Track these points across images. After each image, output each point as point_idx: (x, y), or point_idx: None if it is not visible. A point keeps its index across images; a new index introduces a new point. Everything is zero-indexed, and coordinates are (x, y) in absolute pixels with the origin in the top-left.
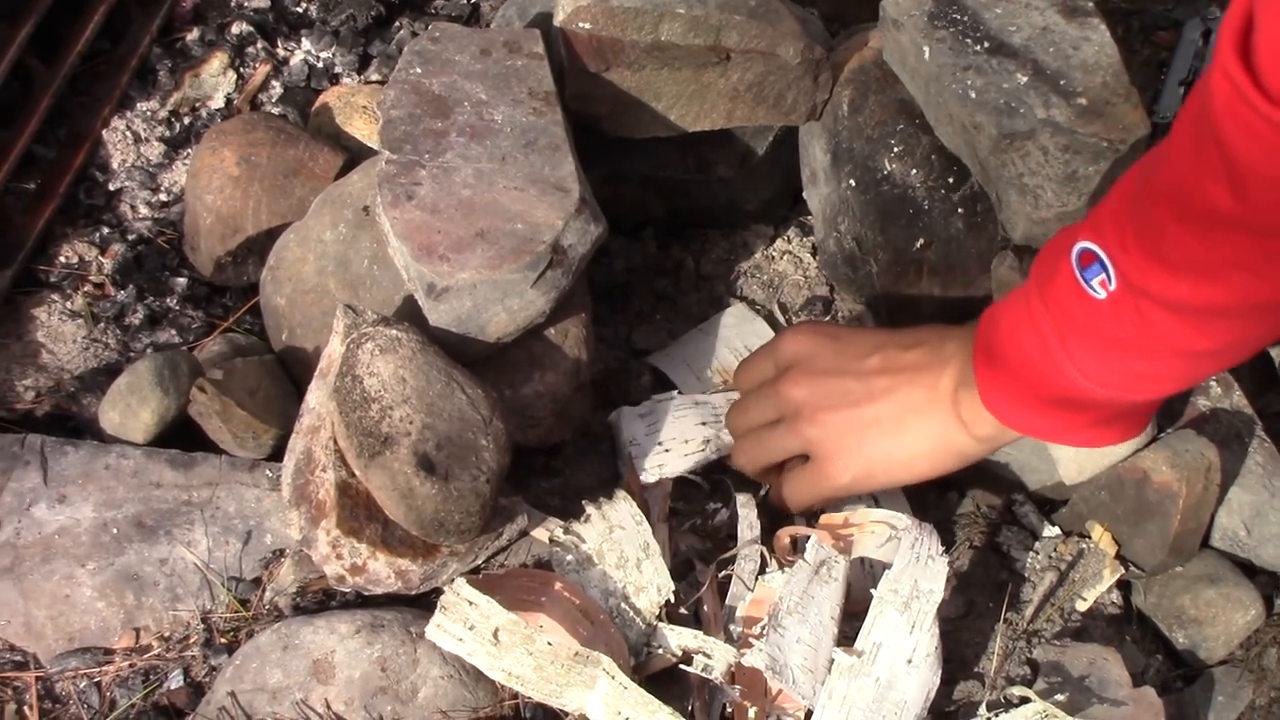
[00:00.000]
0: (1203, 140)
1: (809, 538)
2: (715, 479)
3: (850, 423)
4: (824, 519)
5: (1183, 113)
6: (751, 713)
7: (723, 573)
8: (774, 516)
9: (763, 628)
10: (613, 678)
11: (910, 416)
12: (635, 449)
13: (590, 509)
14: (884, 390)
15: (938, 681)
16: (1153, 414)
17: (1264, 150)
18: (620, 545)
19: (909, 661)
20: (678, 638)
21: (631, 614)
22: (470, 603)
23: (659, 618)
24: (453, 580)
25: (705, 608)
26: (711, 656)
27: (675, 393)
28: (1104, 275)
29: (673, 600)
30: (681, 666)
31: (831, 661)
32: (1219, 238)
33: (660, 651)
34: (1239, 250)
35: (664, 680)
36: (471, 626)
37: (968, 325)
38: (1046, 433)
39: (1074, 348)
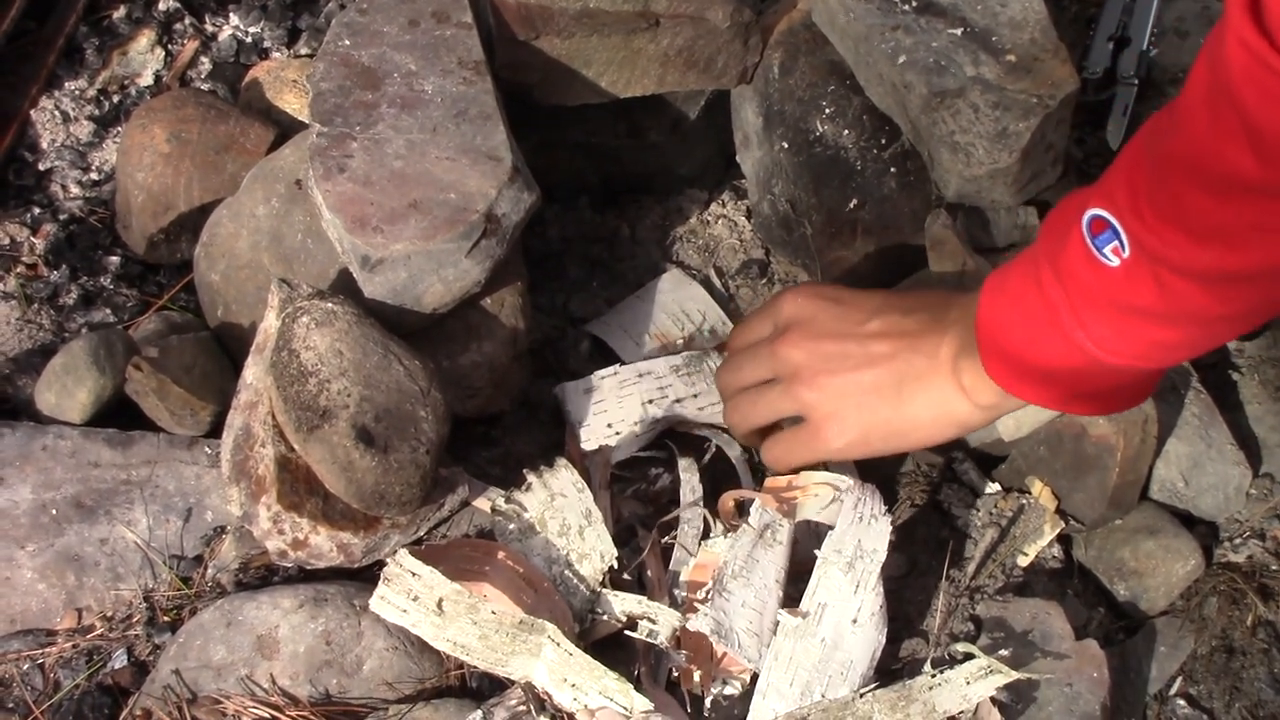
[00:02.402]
0: (1219, 106)
1: (754, 501)
2: (659, 441)
3: (848, 388)
4: (768, 482)
5: (1192, 78)
6: (697, 676)
7: (665, 538)
8: (717, 481)
9: (707, 592)
10: (558, 645)
11: (910, 384)
12: (583, 427)
13: (531, 478)
14: (884, 356)
15: (883, 640)
16: (1158, 381)
17: None
18: (562, 513)
19: (854, 621)
20: (622, 603)
21: (575, 581)
22: (413, 574)
23: (603, 584)
24: (395, 552)
25: (649, 573)
26: (656, 621)
27: (618, 365)
28: (1117, 242)
29: (616, 566)
30: (627, 632)
31: (777, 624)
32: (1243, 203)
33: (605, 617)
34: (1264, 214)
35: (609, 646)
36: (415, 598)
37: (970, 291)
38: (1051, 401)
39: (1086, 317)
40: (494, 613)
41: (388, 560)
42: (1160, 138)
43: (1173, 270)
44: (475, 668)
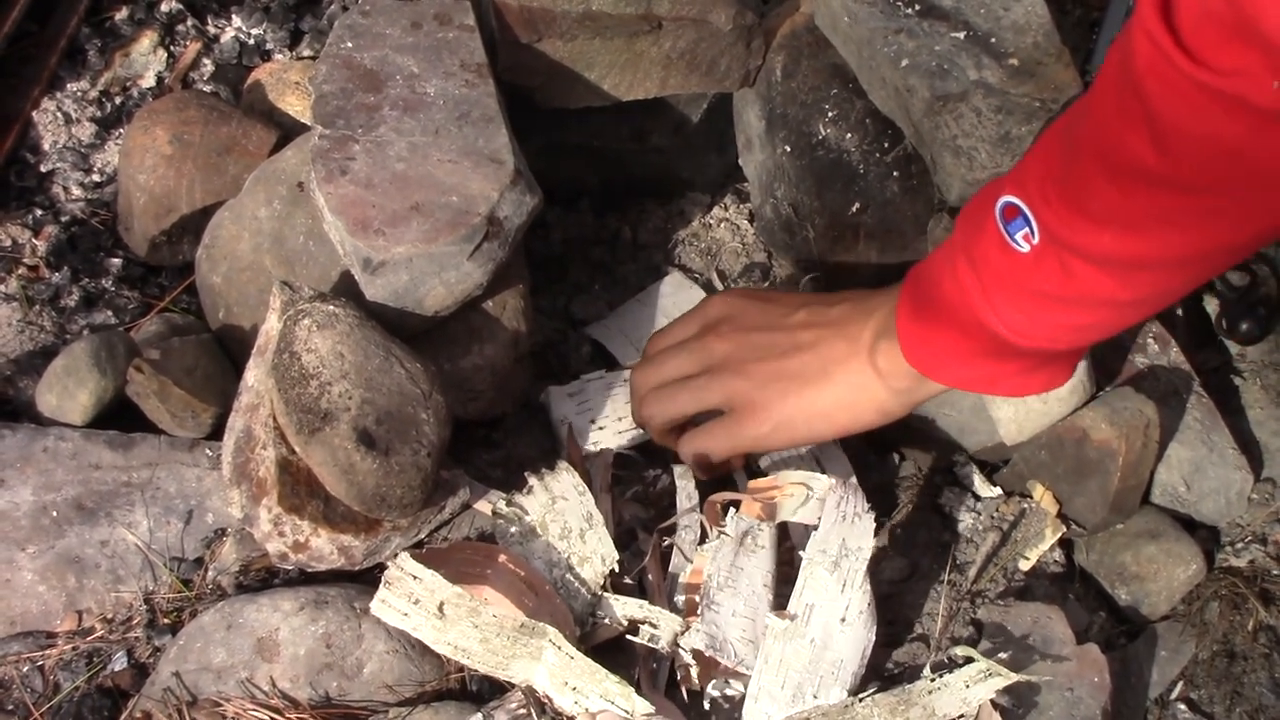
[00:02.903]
0: (1125, 96)
1: (736, 504)
2: (656, 448)
3: (775, 373)
4: (752, 484)
5: (1104, 68)
6: (695, 677)
7: (666, 541)
8: (717, 483)
9: (700, 607)
10: (559, 648)
11: (832, 367)
12: (572, 430)
13: (532, 480)
14: (809, 343)
15: (873, 638)
16: (1077, 363)
17: (1187, 108)
18: (563, 516)
19: (842, 620)
20: (623, 608)
21: (576, 584)
22: (414, 577)
23: (604, 588)
24: (396, 555)
25: (649, 577)
26: (658, 626)
27: (603, 371)
28: (1027, 229)
29: (617, 570)
30: (628, 637)
31: (767, 627)
32: (1142, 192)
33: (606, 621)
34: (1161, 205)
35: (610, 650)
36: (416, 600)
37: (895, 284)
38: (968, 383)
39: (998, 301)
40: (495, 616)
41: (389, 563)
42: (1071, 126)
43: (1077, 255)
44: (476, 671)
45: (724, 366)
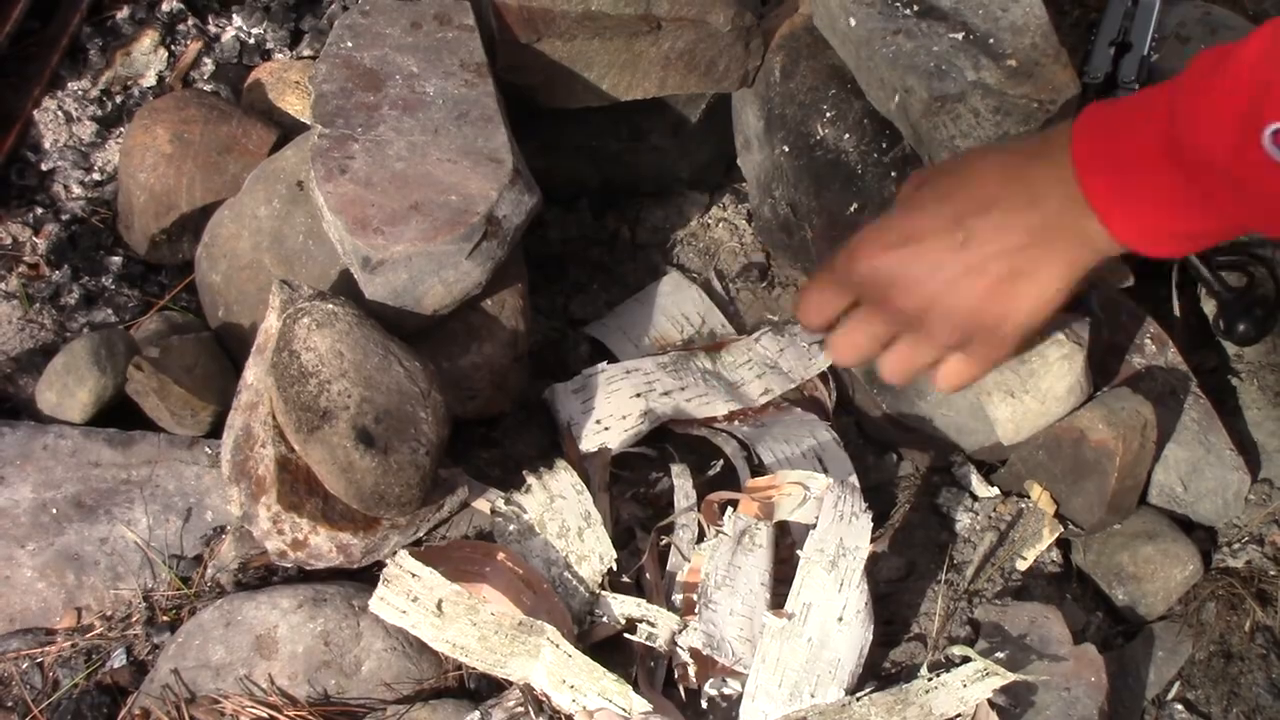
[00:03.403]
0: None
1: (735, 503)
2: (657, 446)
3: (984, 305)
4: (749, 483)
5: None
6: (693, 675)
7: (664, 540)
8: (717, 482)
9: (697, 606)
10: (556, 646)
11: (1030, 251)
12: (574, 427)
13: (531, 479)
14: (993, 255)
15: (870, 637)
16: None
17: None
18: (562, 515)
19: (840, 619)
20: (621, 606)
21: (574, 583)
22: (413, 575)
23: (602, 586)
24: (395, 553)
25: (647, 575)
26: (655, 625)
27: (604, 364)
28: None
29: (615, 568)
30: (626, 635)
31: (764, 626)
32: None
33: (604, 620)
34: None
35: (608, 648)
36: (415, 598)
37: (1029, 167)
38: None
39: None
40: (493, 614)
41: (387, 561)
42: None
43: None
44: (474, 669)
45: (929, 323)
